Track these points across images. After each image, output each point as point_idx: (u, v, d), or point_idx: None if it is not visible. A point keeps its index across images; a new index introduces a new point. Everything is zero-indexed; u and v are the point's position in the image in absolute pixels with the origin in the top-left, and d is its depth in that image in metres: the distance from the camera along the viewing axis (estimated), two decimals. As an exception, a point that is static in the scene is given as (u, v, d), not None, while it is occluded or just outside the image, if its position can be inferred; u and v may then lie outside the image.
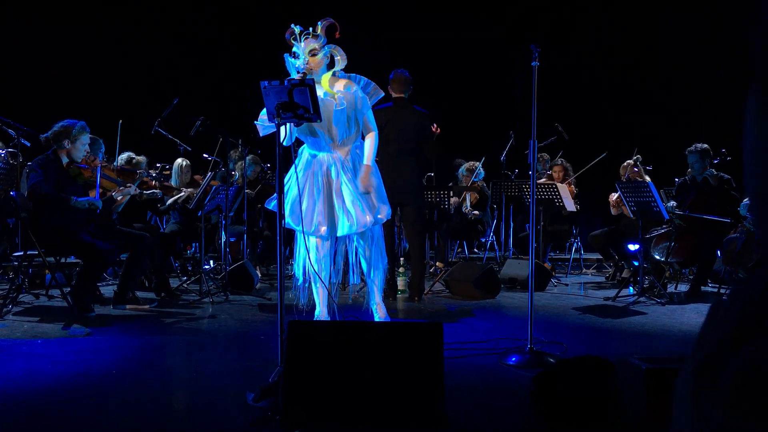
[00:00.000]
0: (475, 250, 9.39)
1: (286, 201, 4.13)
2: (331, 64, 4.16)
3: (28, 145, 5.66)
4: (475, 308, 5.39)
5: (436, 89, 8.91)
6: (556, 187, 7.07)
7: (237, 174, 7.16)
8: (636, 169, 6.86)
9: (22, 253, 5.19)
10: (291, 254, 7.47)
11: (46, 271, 5.87)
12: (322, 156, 4.15)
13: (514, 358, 3.56)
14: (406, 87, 5.70)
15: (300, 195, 4.06)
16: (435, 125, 5.79)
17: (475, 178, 7.80)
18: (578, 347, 3.98)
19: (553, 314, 5.18)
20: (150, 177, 5.90)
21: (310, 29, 4.05)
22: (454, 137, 9.18)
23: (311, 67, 4.01)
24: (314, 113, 3.19)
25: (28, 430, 2.57)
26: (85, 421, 2.68)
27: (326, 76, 4.07)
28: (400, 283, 5.96)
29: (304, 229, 4.10)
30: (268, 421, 2.57)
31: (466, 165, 7.95)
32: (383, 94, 4.52)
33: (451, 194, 7.33)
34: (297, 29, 4.04)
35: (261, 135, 4.10)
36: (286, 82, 3.16)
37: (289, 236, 7.09)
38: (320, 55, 4.04)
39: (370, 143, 4.19)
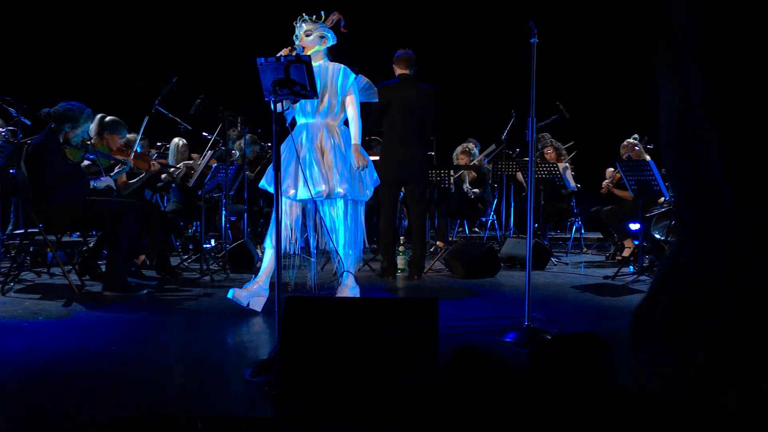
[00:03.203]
0: (476, 229, 9.40)
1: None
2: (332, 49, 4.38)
3: (29, 123, 5.66)
4: (474, 287, 5.41)
5: (436, 68, 8.87)
6: (557, 166, 7.06)
7: (237, 153, 7.16)
8: (637, 148, 6.84)
9: (22, 231, 5.21)
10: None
11: (48, 249, 5.90)
12: (303, 122, 4.30)
13: (510, 336, 3.58)
14: (411, 65, 5.68)
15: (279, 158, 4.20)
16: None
17: (471, 157, 7.81)
18: (575, 325, 4.00)
19: (552, 293, 5.20)
20: (142, 157, 5.94)
21: (314, 16, 4.27)
22: (455, 116, 9.17)
23: (303, 45, 4.22)
24: (311, 90, 3.18)
25: (27, 404, 2.59)
26: (84, 396, 2.70)
27: (311, 52, 4.23)
28: (400, 261, 5.98)
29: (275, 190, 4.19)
30: (265, 395, 2.59)
31: (461, 147, 7.95)
32: (376, 100, 4.64)
33: (452, 174, 7.33)
34: (304, 16, 4.28)
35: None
36: (282, 59, 3.16)
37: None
38: (313, 36, 4.24)
39: (354, 124, 4.31)
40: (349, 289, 4.38)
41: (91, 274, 5.37)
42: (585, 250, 8.40)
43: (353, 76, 4.34)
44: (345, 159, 4.23)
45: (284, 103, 4.03)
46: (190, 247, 7.42)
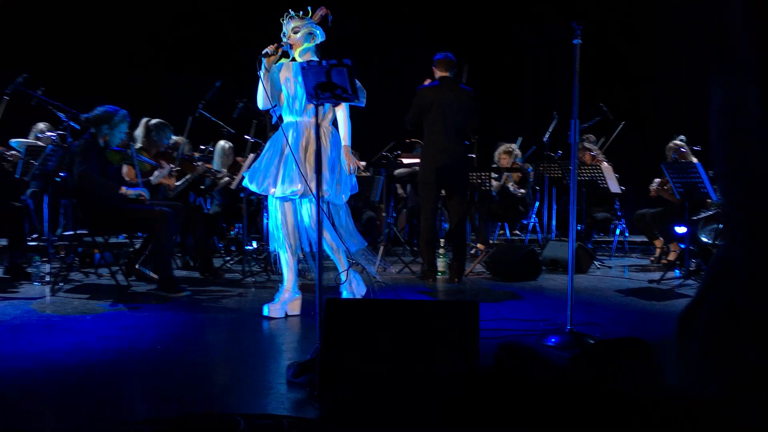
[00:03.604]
0: (517, 231, 9.32)
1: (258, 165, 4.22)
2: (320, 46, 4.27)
3: (78, 128, 5.80)
4: (515, 290, 5.36)
5: (476, 69, 8.83)
6: (600, 168, 6.96)
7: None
8: (683, 150, 6.70)
9: (72, 232, 5.36)
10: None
11: (95, 251, 6.05)
12: (291, 120, 4.21)
13: (553, 339, 3.54)
14: (451, 68, 5.67)
15: (263, 157, 4.20)
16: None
17: (512, 159, 7.75)
18: (619, 329, 3.94)
19: (595, 296, 5.13)
20: (186, 158, 6.05)
21: (301, 12, 4.19)
22: (496, 118, 9.12)
23: (291, 43, 4.14)
24: (352, 93, 3.20)
25: (76, 401, 2.66)
26: (130, 393, 2.77)
27: (299, 50, 4.17)
28: (441, 264, 5.96)
29: (256, 187, 4.15)
30: (307, 395, 2.62)
31: (502, 147, 7.89)
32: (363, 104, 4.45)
33: (493, 176, 7.28)
34: (290, 12, 4.20)
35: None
36: (324, 63, 3.18)
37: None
38: (300, 33, 4.15)
39: (343, 126, 4.24)
40: (292, 294, 4.29)
41: (136, 274, 5.48)
42: (629, 253, 8.26)
43: None
44: (329, 160, 4.12)
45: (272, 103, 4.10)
46: (233, 248, 7.52)
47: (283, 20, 4.20)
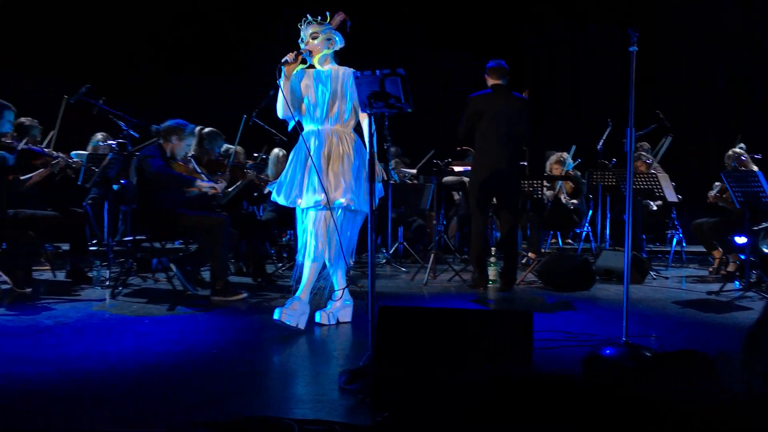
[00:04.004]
0: (569, 240, 9.18)
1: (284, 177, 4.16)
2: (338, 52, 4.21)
3: (137, 136, 5.97)
4: (568, 300, 5.29)
5: (529, 77, 8.78)
6: (656, 177, 6.82)
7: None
8: (744, 158, 6.52)
9: (131, 238, 5.52)
10: (382, 242, 7.59)
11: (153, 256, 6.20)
12: (312, 129, 4.13)
13: (608, 351, 3.47)
14: (503, 75, 5.64)
15: (288, 168, 4.14)
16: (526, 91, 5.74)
17: (566, 167, 7.64)
18: (677, 342, 3.84)
19: (651, 308, 5.02)
20: (238, 167, 6.16)
21: (319, 17, 4.11)
22: (548, 126, 9.03)
23: (310, 49, 4.07)
24: (405, 102, 3.22)
25: (135, 403, 2.74)
26: (186, 396, 2.83)
27: (318, 57, 4.11)
28: (492, 272, 5.92)
29: (285, 200, 4.10)
30: (359, 403, 2.64)
31: (554, 156, 7.80)
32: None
33: (545, 184, 7.20)
34: (308, 18, 4.12)
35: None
36: (377, 73, 3.21)
37: (381, 224, 7.20)
38: (319, 39, 4.08)
39: (367, 133, 4.00)
40: (343, 302, 4.25)
41: (190, 279, 5.59)
42: (686, 263, 8.05)
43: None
44: (353, 167, 4.04)
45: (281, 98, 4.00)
46: (285, 255, 7.61)
47: (300, 26, 4.14)
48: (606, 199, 7.74)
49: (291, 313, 3.93)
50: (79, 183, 5.97)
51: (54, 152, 5.66)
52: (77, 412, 2.63)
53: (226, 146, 6.71)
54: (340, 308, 4.26)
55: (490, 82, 5.66)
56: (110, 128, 6.53)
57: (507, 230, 5.74)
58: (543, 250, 7.79)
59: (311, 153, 4.00)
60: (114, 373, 3.14)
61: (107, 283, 5.47)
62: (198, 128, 6.20)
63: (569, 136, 8.67)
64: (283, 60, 3.98)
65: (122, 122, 5.78)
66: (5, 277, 5.26)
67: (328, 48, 4.13)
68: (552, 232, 8.62)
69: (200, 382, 3.06)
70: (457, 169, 7.69)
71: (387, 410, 2.48)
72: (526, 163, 7.95)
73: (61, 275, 5.98)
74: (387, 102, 3.19)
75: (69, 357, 3.38)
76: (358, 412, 2.57)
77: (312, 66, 4.18)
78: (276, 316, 3.91)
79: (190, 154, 5.91)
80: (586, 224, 8.07)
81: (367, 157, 4.13)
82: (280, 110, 4.11)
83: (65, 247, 6.35)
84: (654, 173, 6.93)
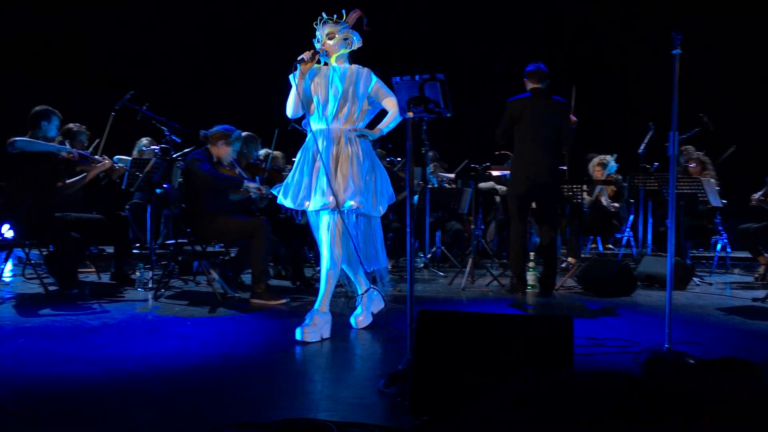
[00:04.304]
0: (610, 246, 9.06)
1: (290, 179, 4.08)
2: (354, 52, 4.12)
3: (179, 141, 6.09)
4: (609, 305, 5.22)
5: (568, 78, 8.69)
6: (700, 181, 6.69)
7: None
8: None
9: (173, 241, 5.62)
10: (421, 247, 7.59)
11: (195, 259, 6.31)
12: (320, 128, 4.01)
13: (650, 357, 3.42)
14: (543, 79, 5.59)
15: (294, 170, 4.04)
16: (573, 117, 5.66)
17: (608, 171, 7.55)
18: (721, 349, 3.76)
19: (694, 314, 4.92)
20: (276, 170, 6.23)
21: (335, 16, 4.03)
22: (588, 129, 8.91)
23: (326, 49, 3.98)
24: (444, 107, 3.22)
25: (178, 403, 2.79)
26: (229, 398, 2.87)
27: (335, 56, 4.02)
28: (530, 277, 5.88)
29: (292, 203, 4.00)
30: (398, 406, 2.64)
31: (597, 159, 7.70)
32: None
33: (585, 188, 7.12)
34: (324, 16, 4.03)
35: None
36: (417, 78, 3.22)
37: (419, 229, 7.20)
38: (336, 38, 3.98)
39: (389, 117, 4.05)
40: (369, 296, 4.22)
41: (230, 283, 5.67)
42: (731, 269, 7.88)
43: (375, 78, 4.04)
44: (362, 170, 3.93)
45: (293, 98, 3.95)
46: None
47: (316, 25, 4.04)
48: (648, 203, 7.62)
49: (312, 331, 3.88)
50: (123, 187, 6.11)
51: (98, 156, 5.81)
52: (123, 411, 2.69)
53: (264, 150, 6.80)
54: (370, 304, 4.25)
55: (529, 85, 5.62)
56: (153, 134, 6.68)
57: (546, 235, 5.69)
58: (583, 255, 7.70)
59: (320, 153, 3.91)
60: (157, 373, 3.20)
61: (150, 285, 5.58)
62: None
63: (610, 140, 8.57)
64: (299, 58, 3.89)
65: (165, 128, 5.91)
66: (53, 279, 5.42)
67: (345, 48, 4.04)
68: (592, 237, 8.52)
69: (241, 384, 3.10)
70: (495, 173, 7.66)
71: (426, 414, 2.49)
72: (565, 167, 7.88)
73: (105, 277, 6.12)
74: (426, 107, 3.20)
75: (114, 357, 3.46)
76: (397, 415, 2.58)
77: (326, 64, 4.08)
78: (298, 336, 3.86)
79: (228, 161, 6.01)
80: (627, 229, 7.95)
81: (377, 159, 4.10)
82: (290, 108, 4.02)
83: (109, 249, 6.50)
84: (698, 177, 6.80)
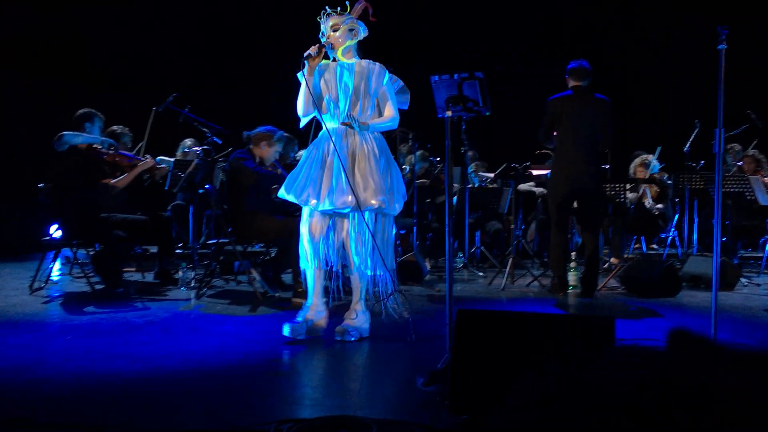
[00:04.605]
0: (654, 245, 8.89)
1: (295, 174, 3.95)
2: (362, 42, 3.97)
3: (220, 143, 6.17)
4: (653, 306, 5.12)
5: (612, 76, 8.57)
6: (748, 179, 6.53)
7: (407, 167, 7.33)
8: None
9: (215, 241, 5.71)
10: (460, 246, 7.56)
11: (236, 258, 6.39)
12: (332, 126, 3.87)
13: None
14: (585, 76, 5.51)
15: (302, 165, 3.90)
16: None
17: (651, 170, 7.41)
18: (770, 352, 3.66)
19: (742, 315, 4.80)
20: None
21: (338, 8, 3.87)
22: (632, 127, 8.78)
23: (332, 42, 3.83)
24: (483, 106, 3.21)
25: (220, 400, 2.83)
26: (268, 395, 2.90)
27: (341, 49, 3.86)
28: (572, 278, 5.80)
29: (295, 198, 3.86)
30: (437, 405, 2.64)
31: (638, 159, 7.57)
32: (406, 107, 4.10)
33: (628, 188, 7.00)
34: (327, 9, 3.89)
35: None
36: (455, 76, 3.21)
37: (457, 229, 7.17)
38: (341, 30, 3.83)
39: (385, 118, 3.90)
40: (359, 316, 3.96)
41: (270, 282, 5.73)
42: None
43: (388, 76, 3.91)
44: (380, 168, 3.80)
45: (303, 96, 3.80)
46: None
47: (320, 18, 3.89)
48: (693, 202, 7.46)
49: (299, 327, 3.83)
50: (166, 188, 6.22)
51: (141, 156, 5.94)
52: (168, 406, 2.74)
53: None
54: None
55: (571, 83, 5.54)
56: (196, 135, 6.79)
57: (588, 235, 5.61)
58: (626, 256, 7.57)
59: (331, 151, 3.78)
60: (200, 370, 3.25)
61: (192, 284, 5.67)
62: None
63: (654, 138, 8.41)
64: (305, 54, 3.75)
65: (206, 129, 6.00)
66: (99, 278, 5.54)
67: (352, 39, 3.86)
68: (635, 237, 8.38)
69: (281, 381, 3.13)
70: (535, 173, 7.58)
71: (466, 413, 2.47)
72: (608, 166, 7.76)
73: (149, 277, 6.24)
74: (465, 105, 3.19)
75: (158, 355, 3.53)
76: (436, 414, 2.57)
77: (334, 59, 3.95)
78: (286, 333, 3.77)
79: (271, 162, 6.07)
80: (672, 229, 7.79)
81: (391, 156, 3.94)
82: (301, 108, 3.90)
83: (153, 249, 6.62)
84: (745, 176, 6.64)
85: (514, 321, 2.69)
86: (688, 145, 7.35)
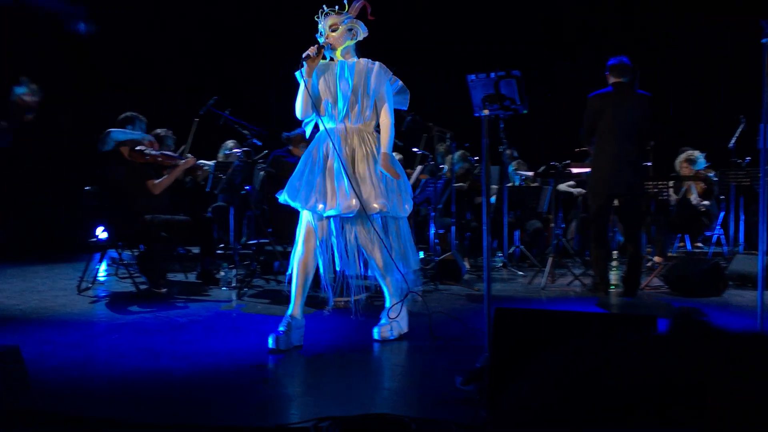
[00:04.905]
0: (698, 244, 8.71)
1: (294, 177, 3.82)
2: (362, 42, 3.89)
3: (260, 144, 6.26)
4: (698, 305, 5.02)
5: (656, 72, 8.43)
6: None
7: (445, 167, 7.33)
8: None
9: (255, 241, 5.79)
10: (499, 246, 7.52)
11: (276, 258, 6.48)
12: (330, 127, 3.76)
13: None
14: (626, 72, 5.43)
15: (301, 169, 3.77)
16: None
17: (697, 167, 7.26)
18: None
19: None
20: None
21: (336, 7, 3.78)
22: (677, 124, 8.62)
23: (330, 42, 3.73)
24: (520, 104, 3.19)
25: (263, 396, 2.88)
26: (308, 393, 2.94)
27: (340, 49, 3.77)
28: (614, 277, 5.72)
29: (302, 205, 3.72)
30: (476, 404, 2.64)
31: (683, 155, 7.42)
32: (406, 107, 4.04)
33: (671, 185, 6.88)
34: (325, 9, 3.80)
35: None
36: (492, 75, 3.20)
37: (496, 228, 7.14)
38: (340, 29, 3.73)
39: (385, 132, 3.76)
40: (393, 321, 3.88)
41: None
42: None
43: (387, 76, 3.82)
44: (378, 169, 3.71)
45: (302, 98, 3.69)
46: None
47: (318, 18, 3.79)
48: (739, 200, 7.29)
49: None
50: (207, 190, 6.33)
51: (182, 156, 6.06)
52: (212, 403, 2.80)
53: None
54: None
55: (611, 80, 5.47)
56: (237, 137, 6.89)
57: (630, 233, 5.53)
58: (670, 254, 7.44)
59: (330, 153, 3.70)
60: (241, 369, 3.31)
61: (234, 284, 5.76)
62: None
63: (699, 135, 8.26)
64: (304, 55, 3.66)
65: (246, 131, 6.08)
66: (144, 278, 5.67)
67: (351, 39, 3.77)
68: (680, 235, 8.22)
69: (320, 379, 3.17)
70: (575, 171, 7.48)
71: (503, 413, 2.47)
72: (650, 163, 7.63)
73: (192, 277, 6.36)
74: (502, 104, 3.18)
75: (201, 353, 3.60)
76: (474, 412, 2.58)
77: (332, 59, 3.85)
78: (271, 344, 3.60)
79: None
80: (718, 227, 7.63)
81: (394, 156, 3.83)
82: (299, 110, 3.80)
83: (195, 250, 6.74)
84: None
85: (553, 319, 2.68)
86: (733, 142, 7.19)
